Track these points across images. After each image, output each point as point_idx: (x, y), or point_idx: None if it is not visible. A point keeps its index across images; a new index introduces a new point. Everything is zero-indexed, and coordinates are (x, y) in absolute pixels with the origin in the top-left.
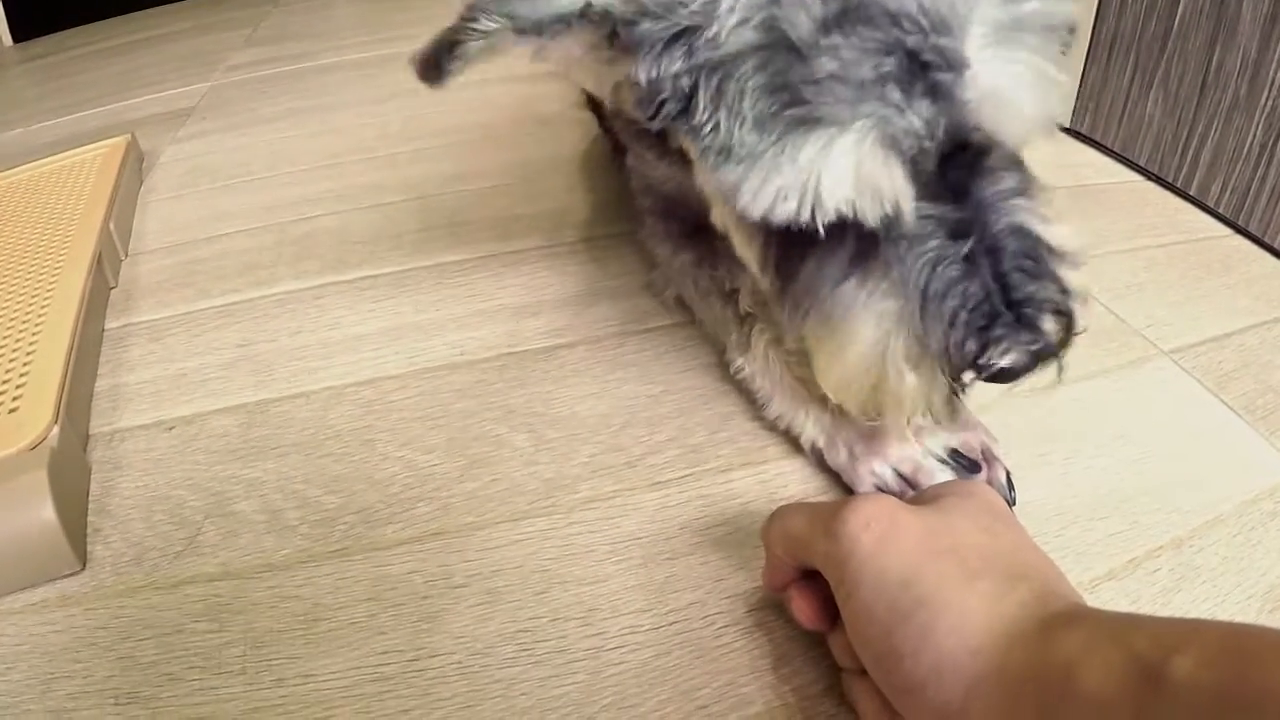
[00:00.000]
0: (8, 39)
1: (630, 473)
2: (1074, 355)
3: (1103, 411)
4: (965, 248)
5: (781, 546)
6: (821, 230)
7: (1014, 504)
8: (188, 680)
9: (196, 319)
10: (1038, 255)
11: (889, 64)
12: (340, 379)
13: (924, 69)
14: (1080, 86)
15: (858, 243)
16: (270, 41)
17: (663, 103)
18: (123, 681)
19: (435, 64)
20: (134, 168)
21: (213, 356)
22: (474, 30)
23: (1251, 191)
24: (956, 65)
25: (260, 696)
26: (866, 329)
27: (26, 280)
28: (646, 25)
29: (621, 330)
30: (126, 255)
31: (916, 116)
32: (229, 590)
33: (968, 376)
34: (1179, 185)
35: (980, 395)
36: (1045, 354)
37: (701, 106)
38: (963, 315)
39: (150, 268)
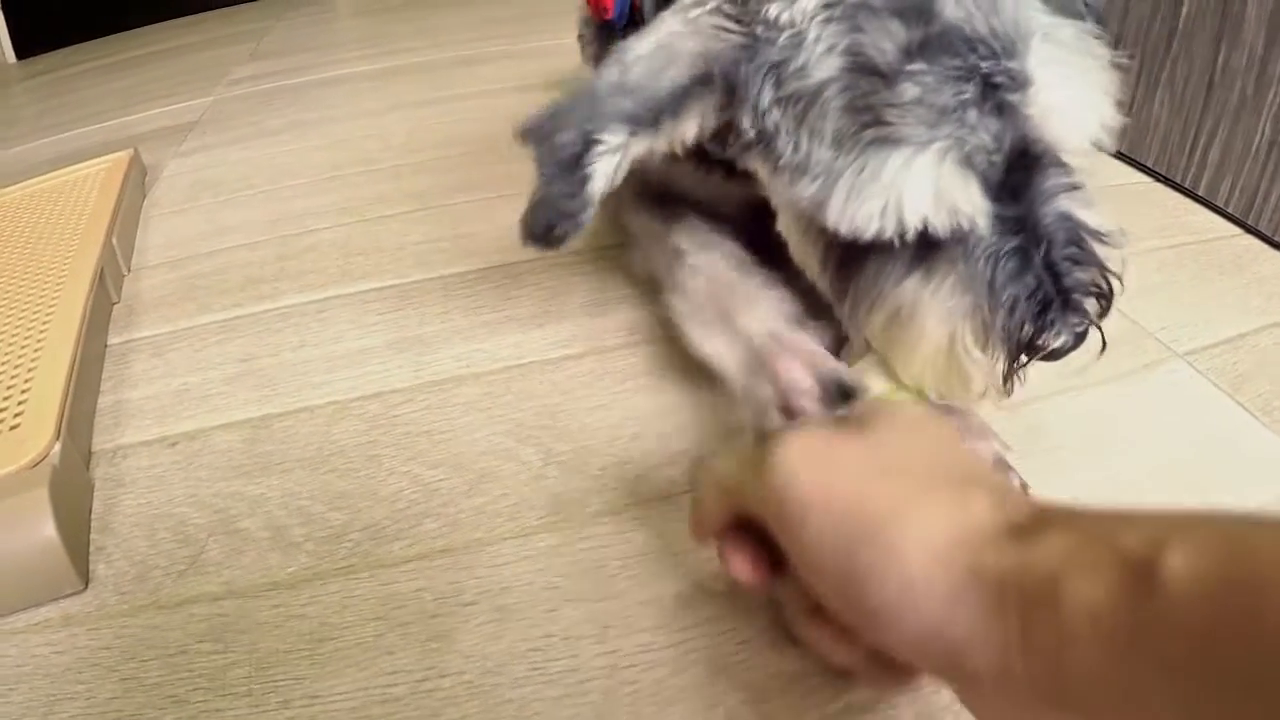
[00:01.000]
0: (11, 56)
1: (641, 486)
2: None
3: (1119, 416)
4: (1020, 241)
5: (713, 493)
6: (898, 242)
7: None
8: (192, 703)
9: (199, 334)
10: (1081, 241)
11: (968, 90)
12: (344, 393)
13: (994, 89)
14: None
15: (918, 244)
16: (273, 55)
17: (742, 132)
18: (126, 704)
19: (557, 216)
20: (137, 182)
21: (215, 371)
22: (599, 150)
23: (1261, 190)
24: (1021, 83)
25: (266, 719)
26: (935, 320)
27: (29, 296)
28: (745, 68)
29: (630, 341)
30: (129, 270)
31: (986, 133)
32: (233, 609)
33: (1026, 357)
34: (1187, 185)
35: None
36: (1087, 332)
37: (784, 131)
38: (1022, 304)
39: (153, 282)
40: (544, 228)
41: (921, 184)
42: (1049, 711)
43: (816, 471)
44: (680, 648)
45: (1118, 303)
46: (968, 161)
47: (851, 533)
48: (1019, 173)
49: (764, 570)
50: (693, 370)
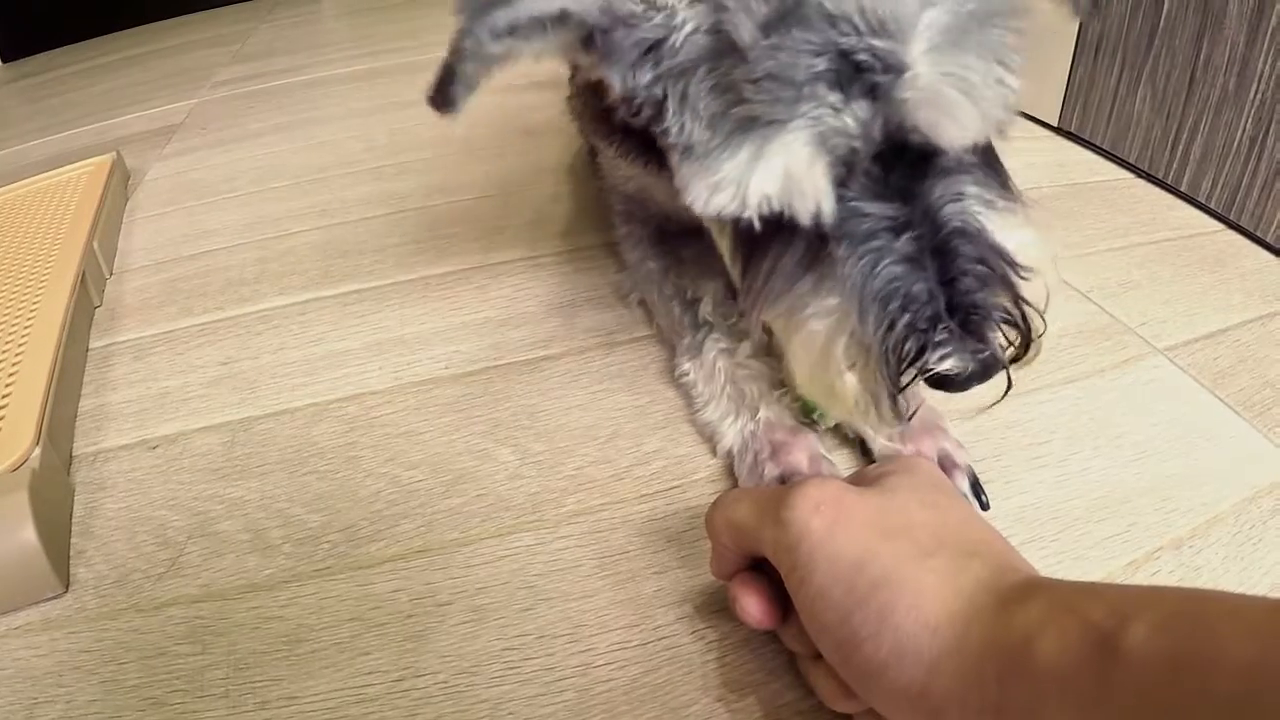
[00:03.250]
0: None
1: (618, 485)
2: (1069, 355)
3: (1099, 411)
4: (908, 248)
5: (727, 535)
6: (757, 224)
7: (986, 508)
8: (170, 704)
9: (180, 337)
10: (989, 261)
11: (821, 64)
12: (324, 395)
13: (859, 70)
14: (1068, 85)
15: (812, 241)
16: (257, 57)
17: (640, 107)
18: (105, 706)
19: (443, 95)
20: (119, 185)
21: (195, 375)
22: (465, 50)
23: (1242, 186)
24: (895, 67)
25: None
26: (816, 327)
27: (10, 301)
28: (619, 34)
29: (608, 341)
30: (111, 274)
31: (851, 117)
32: (212, 612)
33: (907, 378)
34: (1169, 181)
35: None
36: (992, 365)
37: (670, 110)
38: (904, 317)
39: (135, 286)
40: (435, 104)
41: (772, 163)
42: None
43: (827, 527)
44: (654, 646)
45: (1095, 297)
46: (820, 142)
47: (852, 592)
48: (904, 169)
49: (774, 613)
50: (668, 372)
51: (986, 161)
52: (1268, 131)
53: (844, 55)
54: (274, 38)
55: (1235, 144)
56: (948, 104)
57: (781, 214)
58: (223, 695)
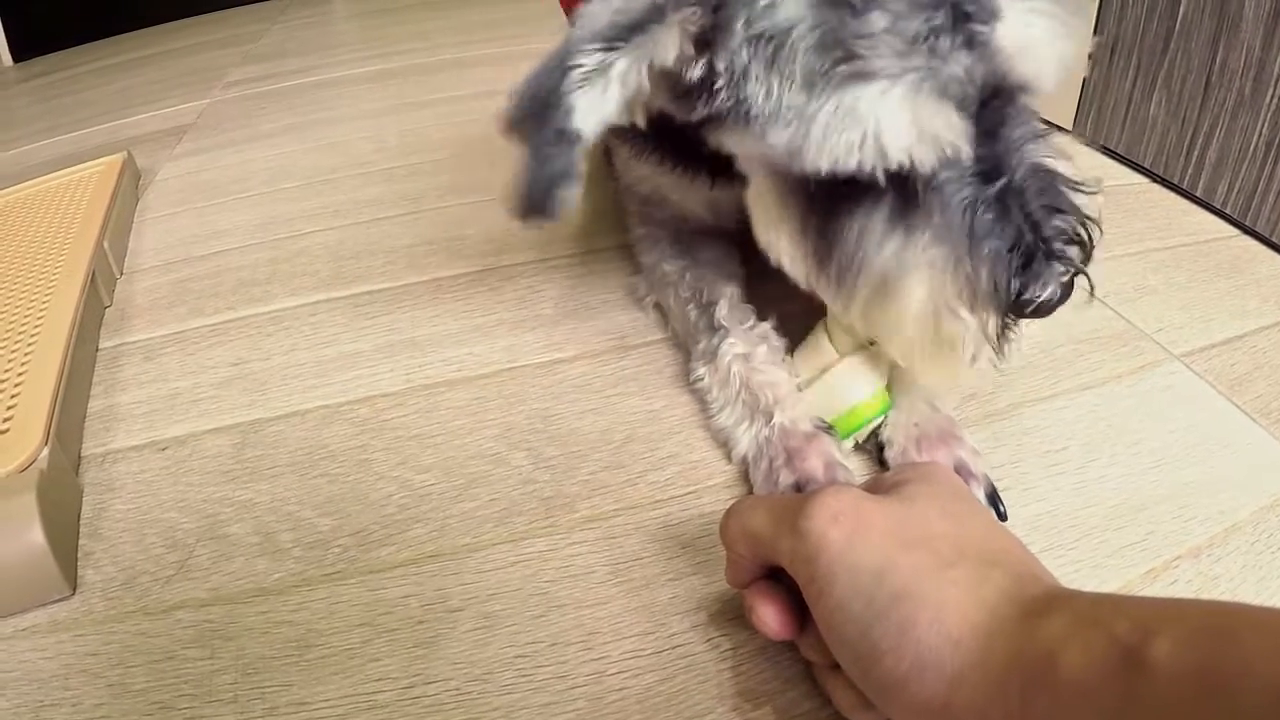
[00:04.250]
0: (8, 59)
1: (632, 490)
2: (1085, 361)
3: (1115, 418)
4: (997, 190)
5: (743, 545)
6: (883, 180)
7: (1004, 518)
8: (178, 709)
9: (190, 337)
10: (1057, 190)
11: (938, 18)
12: (335, 397)
13: (965, 19)
14: (1082, 89)
15: (896, 198)
16: (269, 58)
17: (713, 85)
18: (113, 709)
19: (545, 174)
20: (130, 185)
21: (206, 376)
22: (577, 78)
23: (1258, 191)
24: (989, 14)
25: None
26: (920, 278)
27: (20, 300)
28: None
29: (621, 344)
30: (122, 274)
31: (958, 65)
32: (221, 615)
33: (1011, 316)
34: (1184, 187)
35: (989, 403)
36: (1073, 282)
37: (754, 77)
38: (1004, 256)
39: (145, 286)
40: (539, 191)
41: (900, 115)
42: None
43: (846, 538)
44: (669, 654)
45: (1111, 303)
46: (944, 91)
47: (872, 605)
48: (993, 113)
49: (791, 624)
50: (683, 376)
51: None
52: None
53: (954, 6)
54: (286, 38)
55: (1251, 149)
56: (1040, 49)
57: (903, 168)
58: (231, 700)
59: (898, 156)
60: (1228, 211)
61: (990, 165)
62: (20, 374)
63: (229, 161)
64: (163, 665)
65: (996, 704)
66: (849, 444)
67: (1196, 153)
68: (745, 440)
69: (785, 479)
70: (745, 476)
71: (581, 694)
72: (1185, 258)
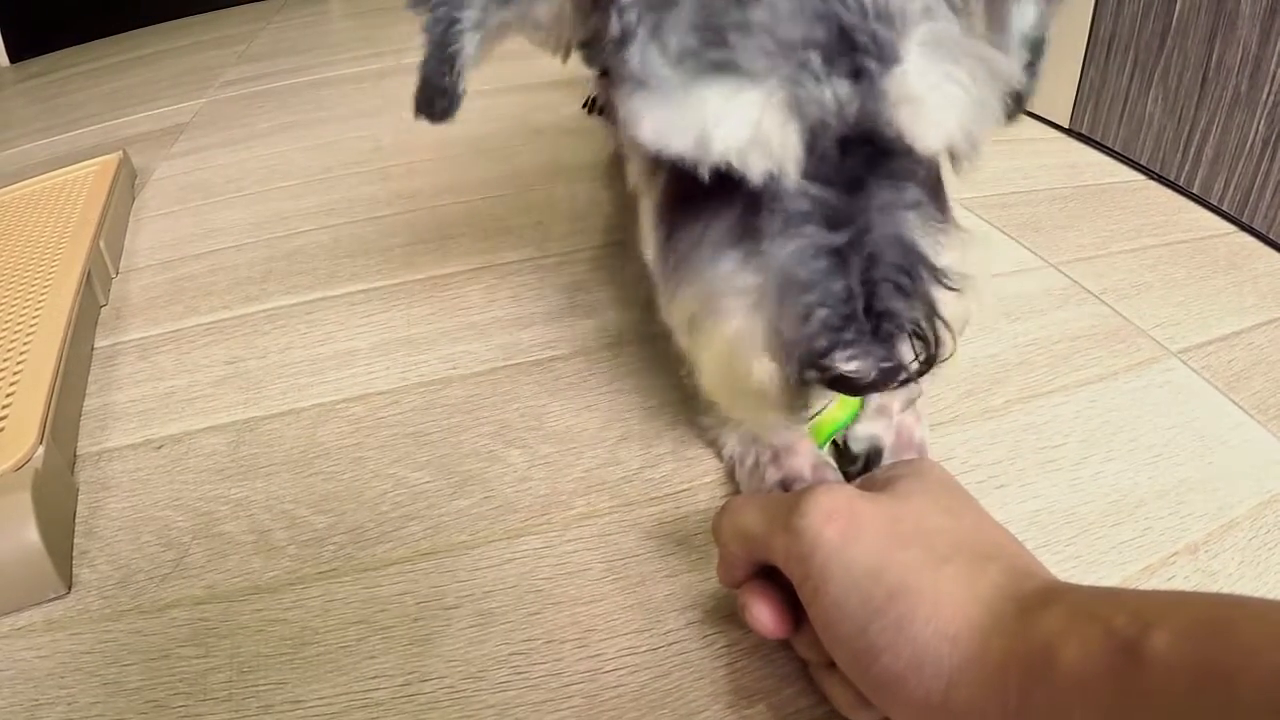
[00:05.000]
0: (4, 59)
1: (627, 488)
2: (1083, 358)
3: (1112, 415)
4: (839, 241)
5: (737, 543)
6: (705, 176)
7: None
8: (173, 707)
9: (186, 336)
10: (915, 273)
11: (819, 31)
12: (330, 395)
13: (853, 49)
14: (1079, 86)
15: (745, 212)
16: (265, 57)
17: (606, 37)
18: (108, 708)
19: (435, 92)
20: (126, 185)
21: (202, 374)
22: (459, 27)
23: (1255, 188)
24: (887, 57)
25: None
26: (733, 306)
27: (15, 300)
28: None
29: (617, 341)
30: (117, 273)
31: (831, 91)
32: (216, 613)
33: (811, 374)
34: (1181, 183)
35: (985, 400)
36: (892, 374)
37: (638, 40)
38: (820, 311)
39: (141, 285)
40: (427, 103)
41: (740, 113)
42: None
43: (841, 536)
44: (664, 651)
45: (1108, 299)
46: (797, 105)
47: (868, 603)
48: (861, 162)
49: (786, 622)
50: (679, 372)
51: (933, 177)
52: None
53: (843, 30)
54: (281, 38)
55: (1248, 146)
56: (932, 108)
57: (730, 172)
58: (226, 699)
59: (721, 152)
60: (1224, 208)
61: (843, 215)
62: (15, 373)
63: (225, 160)
64: (157, 663)
65: (994, 700)
66: (827, 452)
67: (1193, 149)
68: (732, 438)
69: (771, 476)
70: (734, 475)
71: (577, 691)
72: (1182, 254)
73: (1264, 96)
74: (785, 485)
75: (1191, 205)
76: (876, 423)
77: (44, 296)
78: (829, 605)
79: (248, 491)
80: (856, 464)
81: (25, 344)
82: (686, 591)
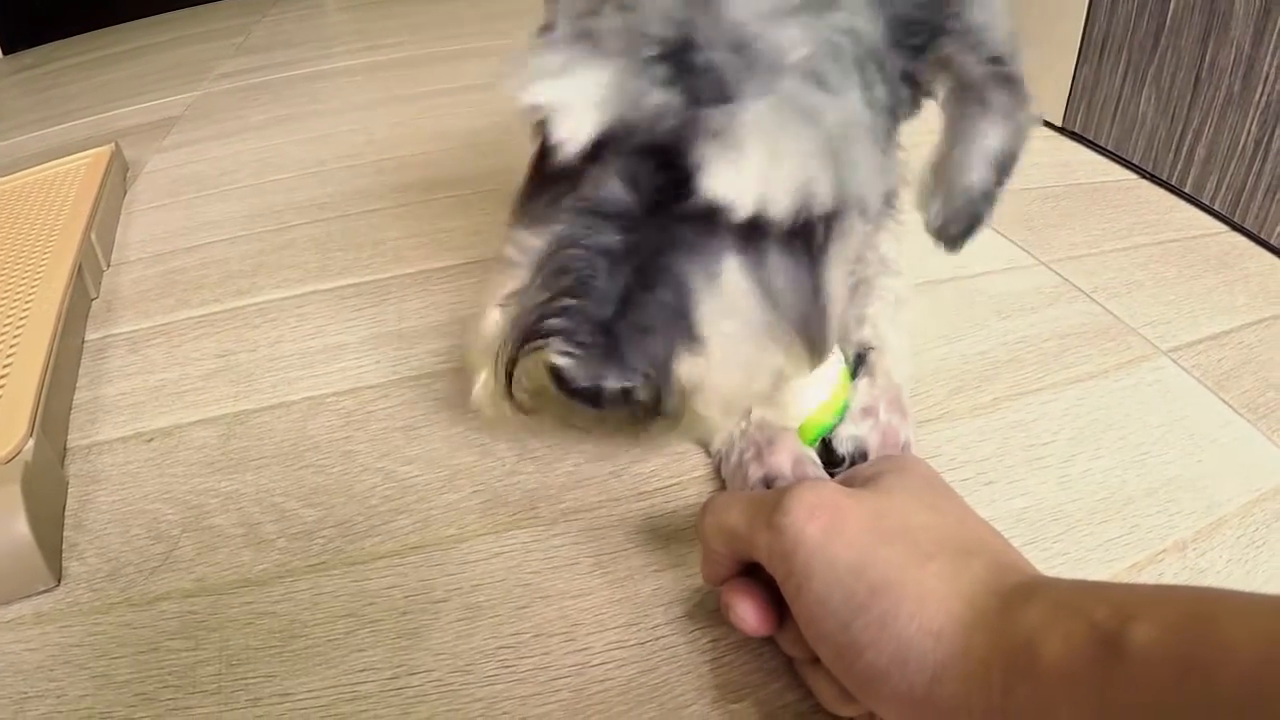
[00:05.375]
0: None
1: (616, 482)
2: (1073, 355)
3: (1101, 412)
4: (618, 246)
5: (720, 541)
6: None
7: None
8: (161, 700)
9: (176, 329)
10: (673, 322)
11: (671, 38)
12: (321, 389)
13: (690, 71)
14: (1072, 85)
15: (565, 192)
16: (260, 50)
17: None
18: (96, 701)
19: None
20: (118, 177)
21: (192, 367)
22: None
23: (1247, 188)
24: (723, 93)
25: (235, 717)
26: (508, 255)
27: (5, 292)
28: None
29: None
30: (109, 266)
31: (655, 99)
32: (205, 606)
33: (526, 348)
34: (1173, 183)
35: (974, 397)
36: (596, 398)
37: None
38: (566, 300)
39: (132, 278)
40: None
41: (564, 78)
42: None
43: (824, 533)
44: (652, 646)
45: (1098, 298)
46: (616, 94)
47: (851, 599)
48: (670, 183)
49: (769, 620)
50: None
51: (772, 236)
52: (1273, 134)
53: (686, 46)
54: (276, 31)
55: (1240, 146)
56: (738, 155)
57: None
58: (215, 691)
59: (531, 104)
60: (1216, 208)
61: (633, 226)
62: (5, 365)
63: (217, 154)
64: (146, 656)
65: (978, 695)
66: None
67: (1186, 150)
68: (720, 433)
69: (754, 473)
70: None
71: (564, 685)
72: (1174, 253)
73: (1257, 97)
74: (767, 482)
75: (1183, 205)
76: (862, 424)
77: (34, 289)
78: (812, 602)
79: (237, 485)
80: (842, 466)
81: (15, 337)
82: (674, 586)
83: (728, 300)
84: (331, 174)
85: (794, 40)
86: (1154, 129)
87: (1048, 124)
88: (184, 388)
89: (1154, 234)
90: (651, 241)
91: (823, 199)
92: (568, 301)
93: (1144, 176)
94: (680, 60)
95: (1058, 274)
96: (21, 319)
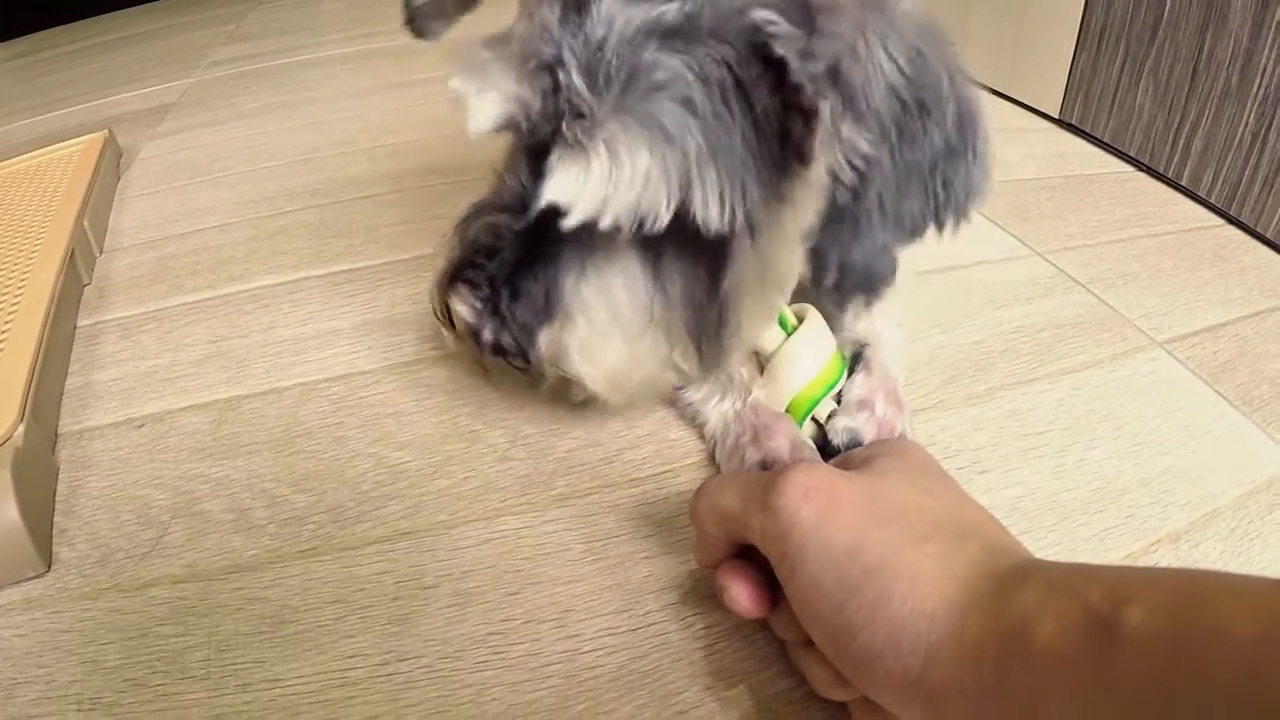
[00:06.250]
0: None
1: (608, 469)
2: (1067, 346)
3: (1096, 403)
4: (509, 226)
5: (713, 523)
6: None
7: None
8: (151, 685)
9: (169, 315)
10: (542, 295)
11: (547, 53)
12: (313, 375)
13: (559, 86)
14: (1069, 77)
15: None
16: (254, 37)
17: None
18: (85, 687)
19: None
20: (111, 164)
21: (184, 353)
22: None
23: (1244, 181)
24: (581, 110)
25: (224, 702)
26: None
27: None
28: None
29: None
30: (101, 252)
31: (539, 102)
32: (195, 592)
33: (444, 288)
34: (1170, 175)
35: (969, 386)
36: (479, 341)
37: None
38: (476, 256)
39: (125, 264)
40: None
41: (476, 79)
42: None
43: (818, 515)
44: (643, 632)
45: (1094, 289)
46: (509, 95)
47: (845, 581)
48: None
49: (763, 602)
50: None
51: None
52: (1270, 127)
53: (558, 63)
54: (270, 19)
55: (1237, 139)
56: (586, 173)
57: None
58: (204, 677)
59: (451, 87)
60: (1213, 201)
61: (520, 208)
62: None
63: (211, 140)
64: (136, 642)
65: (971, 676)
66: (810, 429)
67: (1182, 142)
68: (714, 416)
69: (751, 456)
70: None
71: (555, 672)
72: (1170, 245)
73: (1254, 90)
74: (764, 465)
75: (1180, 197)
76: (858, 416)
77: (26, 275)
78: (806, 583)
79: (228, 470)
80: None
81: (6, 322)
82: (666, 573)
83: (604, 290)
84: (325, 161)
85: (655, 64)
86: (1151, 121)
87: (1044, 115)
88: (176, 373)
89: (1150, 226)
90: (549, 230)
91: (661, 215)
92: (478, 260)
93: (1141, 169)
94: (554, 75)
95: (1053, 265)
96: (13, 305)
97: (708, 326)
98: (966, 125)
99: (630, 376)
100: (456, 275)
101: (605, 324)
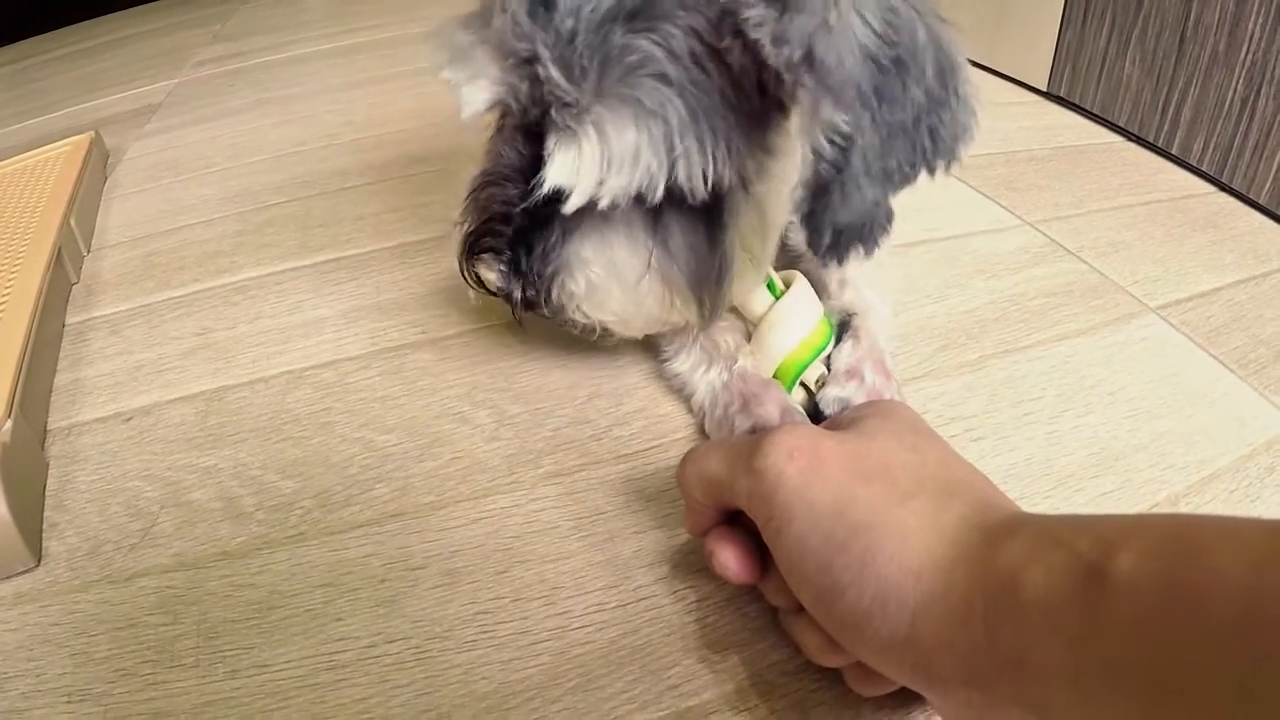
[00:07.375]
0: None
1: (596, 445)
2: (1060, 313)
3: (1090, 369)
4: (511, 196)
5: (700, 490)
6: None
7: None
8: (140, 675)
9: (156, 310)
10: (555, 252)
11: (521, 48)
12: (299, 363)
13: (538, 78)
14: (1056, 48)
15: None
16: (238, 36)
17: None
18: (75, 679)
19: None
20: (98, 165)
21: (171, 346)
22: None
23: (1234, 148)
24: (565, 97)
25: (213, 689)
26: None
27: None
28: None
29: None
30: (89, 251)
31: (527, 89)
32: (183, 581)
33: (469, 261)
34: (1160, 145)
35: (961, 354)
36: (509, 298)
37: None
38: (492, 223)
39: (112, 262)
40: None
41: (465, 66)
42: (1016, 712)
43: (803, 474)
44: (634, 607)
45: (1085, 256)
46: (499, 81)
47: (831, 540)
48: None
49: (752, 567)
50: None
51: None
52: (1259, 93)
53: (533, 58)
54: (254, 18)
55: (1226, 105)
56: (580, 161)
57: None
58: (193, 664)
59: (445, 79)
60: (1204, 169)
61: (526, 180)
62: None
63: (197, 138)
64: (125, 632)
65: (961, 633)
66: (799, 395)
67: (1172, 110)
68: (702, 386)
69: (741, 424)
70: (704, 427)
71: (545, 649)
72: (1161, 214)
73: (1242, 56)
74: (755, 432)
75: (1170, 166)
76: (847, 385)
77: (14, 275)
78: (792, 544)
79: (216, 460)
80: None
81: None
82: (656, 548)
83: (603, 246)
84: (310, 154)
85: (626, 48)
86: (1139, 90)
87: (1032, 89)
88: (163, 367)
89: (1141, 195)
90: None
91: (657, 186)
92: (495, 227)
93: (1130, 139)
94: (533, 69)
95: (1044, 234)
96: (1, 304)
97: (708, 276)
98: (946, 71)
99: (636, 315)
100: (478, 245)
101: (604, 276)
